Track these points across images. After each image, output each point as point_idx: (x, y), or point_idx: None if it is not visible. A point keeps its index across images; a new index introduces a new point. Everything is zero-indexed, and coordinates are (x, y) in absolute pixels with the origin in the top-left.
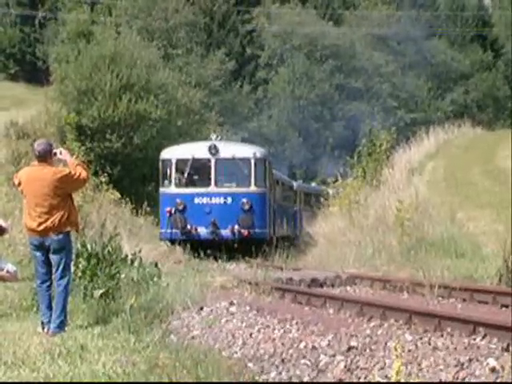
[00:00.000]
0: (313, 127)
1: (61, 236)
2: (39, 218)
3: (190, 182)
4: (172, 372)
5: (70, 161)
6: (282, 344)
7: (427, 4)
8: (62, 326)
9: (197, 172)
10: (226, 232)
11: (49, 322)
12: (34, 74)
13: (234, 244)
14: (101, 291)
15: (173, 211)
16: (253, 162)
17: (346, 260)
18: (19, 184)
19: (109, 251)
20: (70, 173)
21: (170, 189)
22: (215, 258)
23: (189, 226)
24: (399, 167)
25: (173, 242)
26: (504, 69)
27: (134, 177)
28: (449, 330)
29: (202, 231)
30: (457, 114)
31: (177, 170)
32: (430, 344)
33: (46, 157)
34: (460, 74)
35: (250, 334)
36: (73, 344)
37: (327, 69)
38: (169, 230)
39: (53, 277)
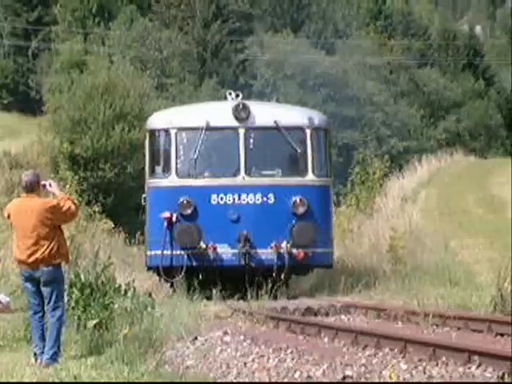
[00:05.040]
0: None
1: (51, 268)
2: (28, 250)
3: (203, 169)
4: None
5: (59, 194)
6: (277, 373)
7: (419, 33)
8: (55, 356)
9: (214, 151)
10: (265, 253)
11: (42, 352)
12: (27, 104)
13: (280, 274)
14: (94, 321)
15: (174, 218)
16: (309, 133)
17: (339, 288)
18: (9, 216)
19: (102, 281)
20: (58, 204)
21: (167, 180)
22: (243, 298)
23: (202, 244)
24: (392, 195)
25: (171, 271)
26: (496, 97)
27: (128, 206)
28: (444, 358)
29: (225, 252)
30: (449, 142)
31: (179, 147)
32: (424, 373)
33: (33, 188)
34: (452, 103)
35: (245, 364)
36: (66, 375)
37: (320, 97)
38: (167, 252)
39: (45, 308)
